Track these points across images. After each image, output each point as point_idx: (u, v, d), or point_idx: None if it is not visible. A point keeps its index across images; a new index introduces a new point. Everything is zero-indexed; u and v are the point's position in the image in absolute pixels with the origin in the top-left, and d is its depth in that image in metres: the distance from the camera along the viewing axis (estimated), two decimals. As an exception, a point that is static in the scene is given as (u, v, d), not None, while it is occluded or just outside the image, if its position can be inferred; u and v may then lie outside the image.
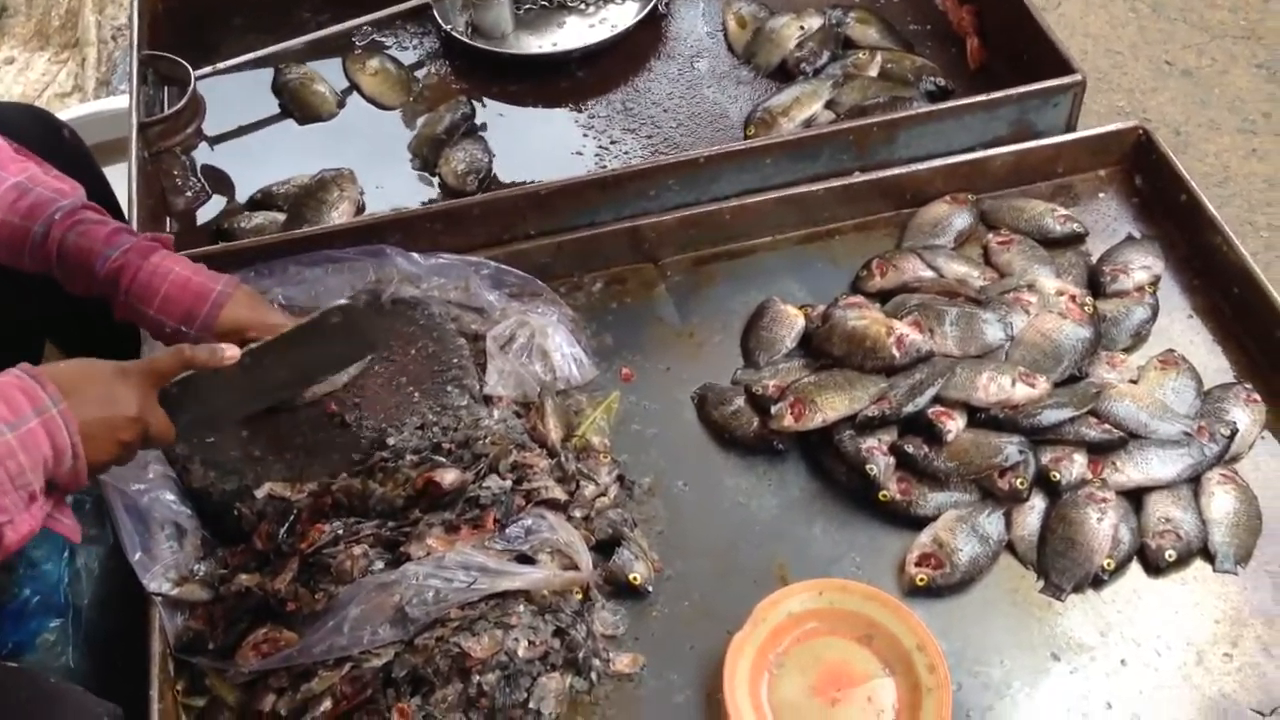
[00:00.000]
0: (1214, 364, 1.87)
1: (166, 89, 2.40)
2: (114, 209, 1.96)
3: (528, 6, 2.55)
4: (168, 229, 2.18)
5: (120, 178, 2.06)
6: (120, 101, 2.83)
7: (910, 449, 1.71)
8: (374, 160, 2.30)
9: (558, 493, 1.69)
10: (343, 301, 1.62)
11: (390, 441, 1.68)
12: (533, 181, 2.10)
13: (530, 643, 1.53)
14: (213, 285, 1.61)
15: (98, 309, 1.65)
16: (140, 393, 1.40)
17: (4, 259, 1.63)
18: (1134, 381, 1.82)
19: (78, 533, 1.41)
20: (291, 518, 1.63)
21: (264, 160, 2.32)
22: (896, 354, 1.78)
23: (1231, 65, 3.11)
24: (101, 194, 1.94)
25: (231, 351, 1.46)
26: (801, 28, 2.43)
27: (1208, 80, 3.08)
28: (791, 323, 1.93)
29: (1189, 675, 1.56)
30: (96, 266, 1.59)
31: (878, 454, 1.71)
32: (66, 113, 2.76)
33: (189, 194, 2.24)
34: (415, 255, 1.93)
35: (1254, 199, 2.80)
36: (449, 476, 1.60)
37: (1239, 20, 3.22)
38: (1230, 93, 3.04)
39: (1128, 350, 1.89)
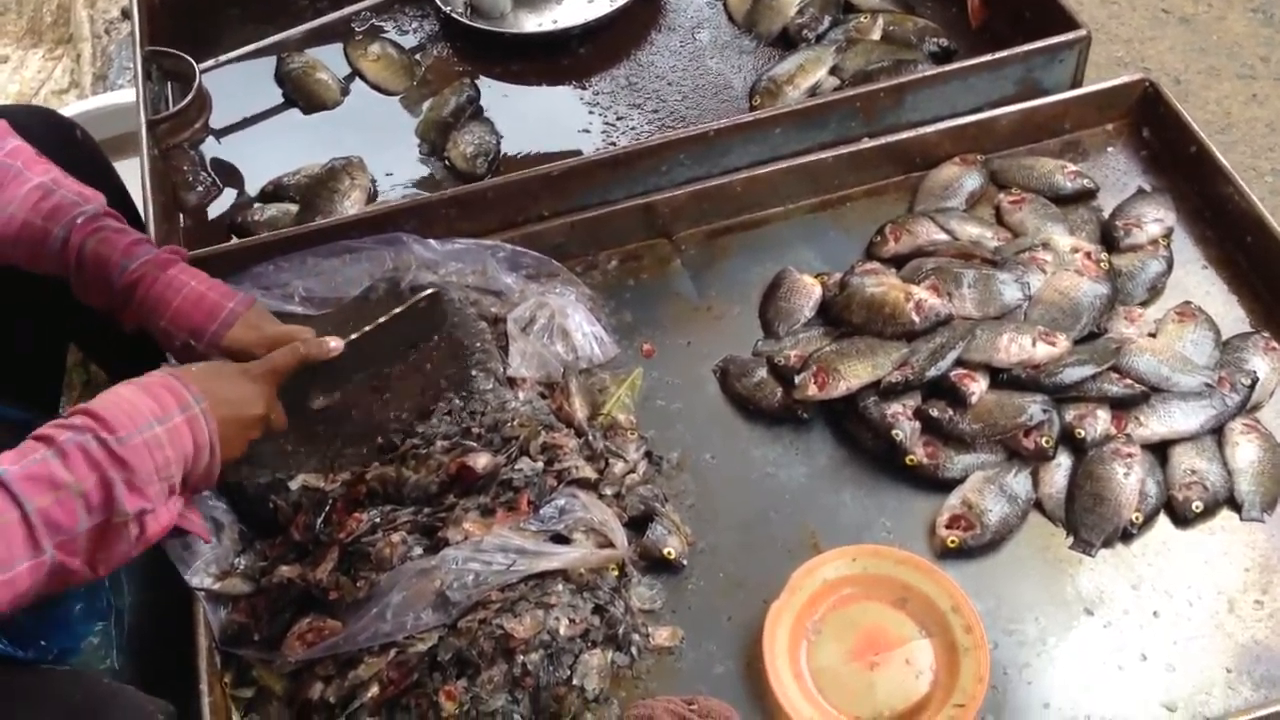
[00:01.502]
0: (1231, 314, 1.89)
1: (170, 84, 2.40)
2: (129, 208, 1.96)
3: (525, -16, 2.55)
4: (180, 225, 2.18)
5: (126, 173, 2.06)
6: (119, 96, 2.83)
7: (935, 413, 1.73)
8: (381, 146, 2.30)
9: (588, 471, 1.71)
10: (429, 290, 1.78)
11: (420, 429, 1.69)
12: (541, 160, 2.11)
13: (571, 621, 1.55)
14: (224, 304, 1.64)
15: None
16: (266, 392, 1.54)
17: (24, 261, 1.65)
18: (1152, 335, 1.83)
19: (208, 531, 1.55)
20: (327, 508, 1.65)
21: (272, 151, 2.33)
22: (916, 319, 1.80)
23: (1228, 10, 3.11)
24: (117, 192, 1.94)
25: (335, 343, 1.61)
26: (801, -6, 2.43)
27: (1205, 27, 3.08)
28: (809, 292, 1.94)
29: (1221, 624, 1.58)
30: (114, 277, 1.62)
31: (903, 419, 1.73)
32: (66, 110, 2.76)
33: (200, 189, 2.25)
34: (431, 241, 1.94)
35: (1257, 144, 2.81)
36: (482, 461, 1.62)
37: (1234, -35, 3.21)
38: (1228, 38, 3.05)
39: (1144, 304, 1.90)
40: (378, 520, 1.60)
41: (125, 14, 3.19)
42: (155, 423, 1.34)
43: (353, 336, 1.66)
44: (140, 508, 1.31)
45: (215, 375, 1.48)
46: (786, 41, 2.40)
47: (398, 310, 1.73)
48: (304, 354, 1.58)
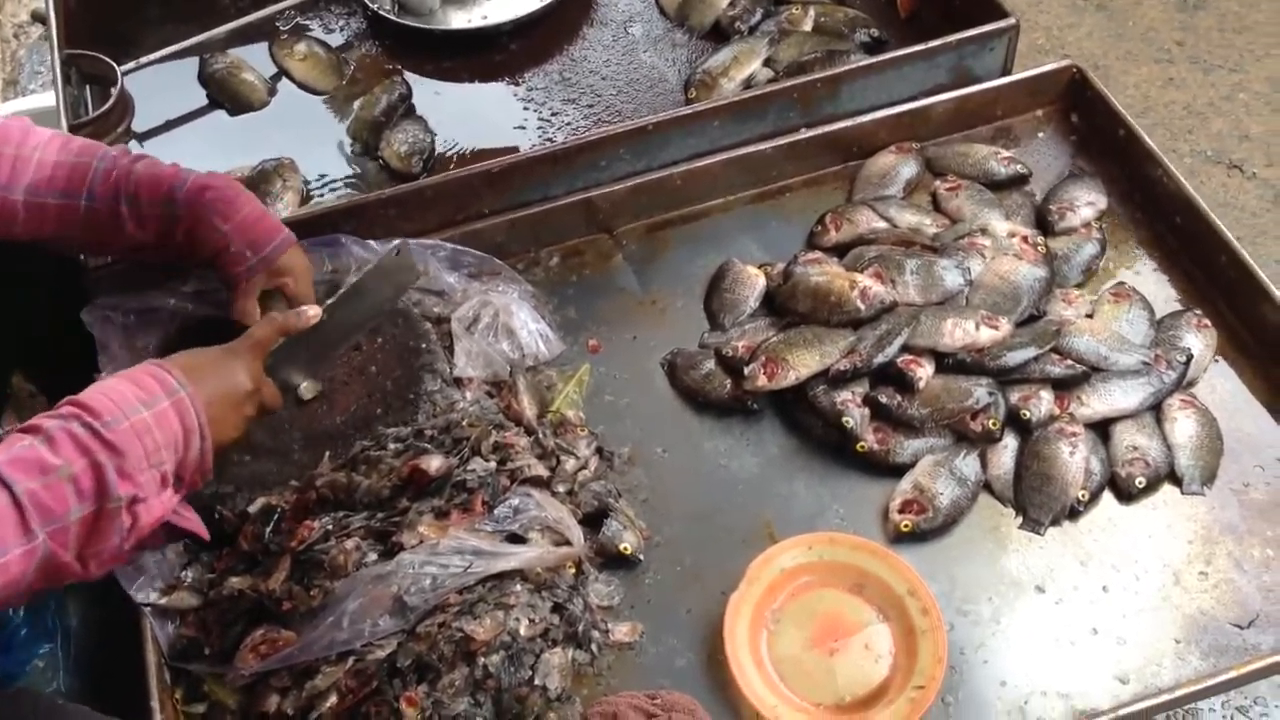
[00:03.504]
0: (1163, 293, 1.93)
1: (89, 88, 2.33)
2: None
3: (453, -21, 2.52)
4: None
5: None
6: (33, 101, 2.76)
7: (884, 399, 1.75)
8: (312, 147, 2.26)
9: (540, 470, 1.70)
10: (395, 242, 1.78)
11: (381, 429, 1.68)
12: (477, 158, 2.09)
13: (530, 621, 1.54)
14: (283, 227, 1.70)
15: (67, 337, 1.67)
16: (252, 367, 1.52)
17: (54, 210, 1.61)
18: (1090, 316, 1.86)
19: (203, 528, 1.52)
20: (276, 517, 1.61)
21: (198, 155, 2.24)
22: (861, 306, 1.81)
23: (1143, -4, 3.18)
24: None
25: (314, 311, 1.61)
26: (732, -14, 2.44)
27: (1122, 13, 3.15)
28: (753, 283, 1.94)
29: (1168, 596, 1.62)
30: (176, 188, 1.63)
31: (852, 406, 1.74)
32: (-21, 117, 2.68)
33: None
34: (371, 242, 1.91)
35: (1175, 127, 2.87)
36: (434, 463, 1.60)
37: (1147, -48, 3.29)
38: (1144, 24, 3.11)
39: (1080, 286, 1.94)
40: (330, 527, 1.57)
41: (35, 17, 3.10)
42: (142, 407, 1.33)
43: (329, 301, 1.66)
44: (132, 494, 1.29)
45: (197, 358, 1.47)
46: (719, 34, 2.40)
47: (369, 267, 1.74)
48: (282, 324, 1.57)
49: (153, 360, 1.44)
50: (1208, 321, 1.85)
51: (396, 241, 1.78)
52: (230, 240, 1.64)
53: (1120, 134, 2.06)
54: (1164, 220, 1.99)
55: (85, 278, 1.84)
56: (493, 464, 1.65)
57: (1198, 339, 1.83)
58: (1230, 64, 2.99)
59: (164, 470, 1.34)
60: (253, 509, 1.62)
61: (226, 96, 2.37)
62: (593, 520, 1.69)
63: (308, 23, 2.51)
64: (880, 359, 1.76)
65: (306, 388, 1.71)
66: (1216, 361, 1.84)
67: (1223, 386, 1.81)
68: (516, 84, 2.36)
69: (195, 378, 1.41)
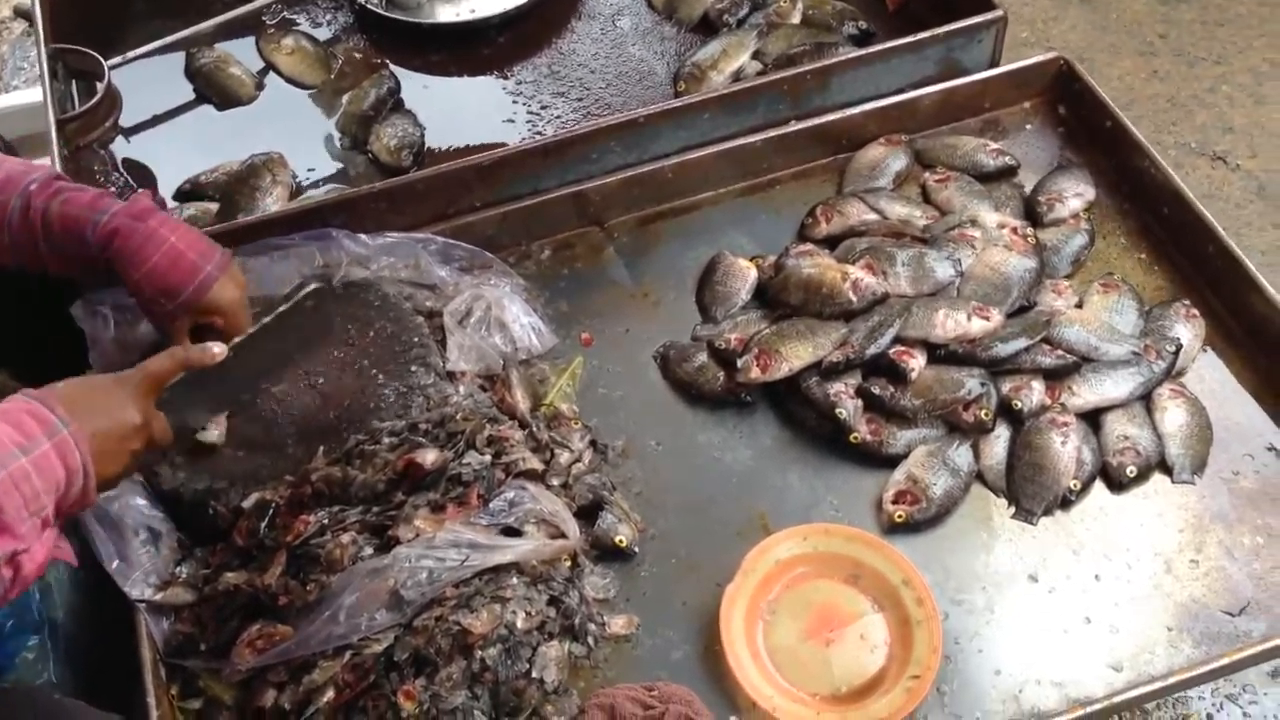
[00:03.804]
0: (1151, 283, 1.95)
1: (76, 82, 2.32)
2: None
3: (441, -27, 2.51)
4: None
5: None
6: (19, 97, 2.74)
7: (876, 390, 1.75)
8: (301, 141, 2.26)
9: (535, 463, 1.70)
10: (312, 286, 1.74)
11: (376, 423, 1.67)
12: (467, 151, 2.08)
13: (527, 614, 1.55)
14: (202, 266, 1.61)
15: (57, 333, 1.64)
16: (142, 401, 1.43)
17: None
18: (1079, 306, 1.87)
19: (75, 556, 1.43)
20: (271, 511, 1.61)
21: (186, 150, 2.26)
22: (853, 298, 1.81)
23: (1127, -11, 3.20)
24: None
25: (219, 349, 1.52)
26: (720, -21, 2.44)
27: (1105, 6, 3.16)
28: (744, 275, 1.95)
29: (1160, 584, 1.63)
30: (88, 234, 1.58)
31: (845, 398, 1.75)
32: (-37, 113, 2.66)
33: (113, 190, 2.17)
34: (362, 236, 1.91)
35: (1159, 119, 2.89)
36: (430, 456, 1.60)
37: (1130, -55, 3.30)
38: (1127, 17, 3.13)
39: (1069, 277, 1.95)
40: (326, 521, 1.57)
41: (18, 13, 3.08)
42: (19, 453, 1.24)
43: (236, 340, 1.62)
44: (12, 549, 1.22)
45: (83, 389, 1.38)
46: (707, 27, 2.40)
47: (283, 308, 1.72)
48: (184, 359, 1.49)
49: (29, 391, 1.33)
50: (1196, 311, 1.87)
51: (312, 285, 1.77)
52: (142, 289, 1.59)
53: (1107, 125, 2.07)
54: (1152, 211, 2.01)
55: (75, 273, 1.82)
56: (487, 457, 1.65)
57: (1186, 329, 1.84)
58: (1213, 56, 3.01)
59: (45, 515, 1.27)
60: (247, 504, 1.61)
61: (214, 91, 2.36)
62: (587, 513, 1.70)
63: (295, 17, 2.50)
64: (872, 350, 1.77)
65: (207, 430, 1.65)
66: (1205, 351, 1.85)
67: (1211, 376, 1.83)
68: (505, 77, 2.36)
69: (78, 412, 1.32)
